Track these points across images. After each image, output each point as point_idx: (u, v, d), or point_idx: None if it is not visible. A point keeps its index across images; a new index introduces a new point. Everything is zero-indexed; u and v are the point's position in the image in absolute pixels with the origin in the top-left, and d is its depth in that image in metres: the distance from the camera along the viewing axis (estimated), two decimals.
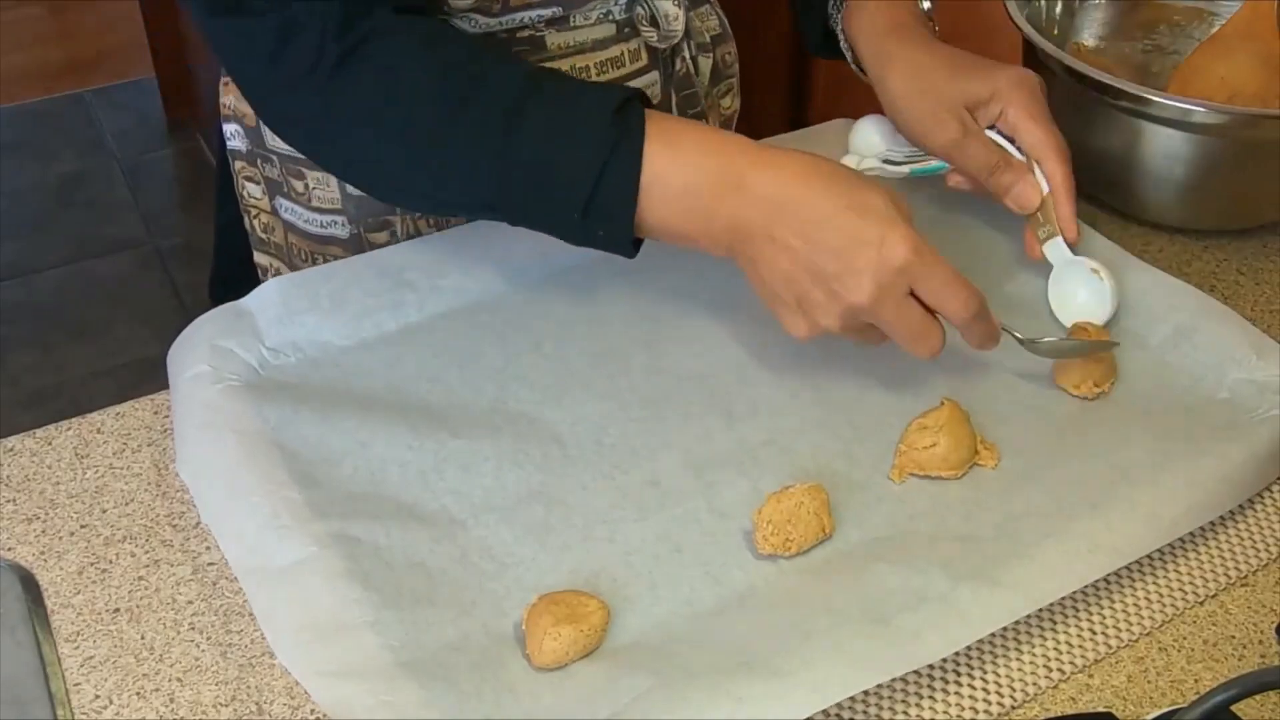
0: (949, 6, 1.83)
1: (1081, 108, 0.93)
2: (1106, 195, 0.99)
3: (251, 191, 0.95)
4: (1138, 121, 0.90)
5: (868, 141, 0.92)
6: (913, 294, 0.71)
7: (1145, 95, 0.88)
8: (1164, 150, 0.90)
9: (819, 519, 0.69)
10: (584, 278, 0.87)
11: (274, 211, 0.95)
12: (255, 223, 0.96)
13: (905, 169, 0.88)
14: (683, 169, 0.71)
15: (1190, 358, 0.81)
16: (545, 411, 0.78)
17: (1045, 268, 0.87)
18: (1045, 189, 0.84)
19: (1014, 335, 0.78)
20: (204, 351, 0.77)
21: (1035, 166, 0.84)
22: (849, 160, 0.90)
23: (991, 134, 0.85)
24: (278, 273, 0.96)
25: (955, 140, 0.84)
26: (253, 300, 0.81)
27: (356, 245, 0.92)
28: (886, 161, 0.88)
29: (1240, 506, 0.75)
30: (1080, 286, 0.85)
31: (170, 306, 2.30)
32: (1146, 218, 0.97)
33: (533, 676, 0.64)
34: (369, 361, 0.80)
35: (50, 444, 0.77)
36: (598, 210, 0.71)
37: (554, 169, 0.71)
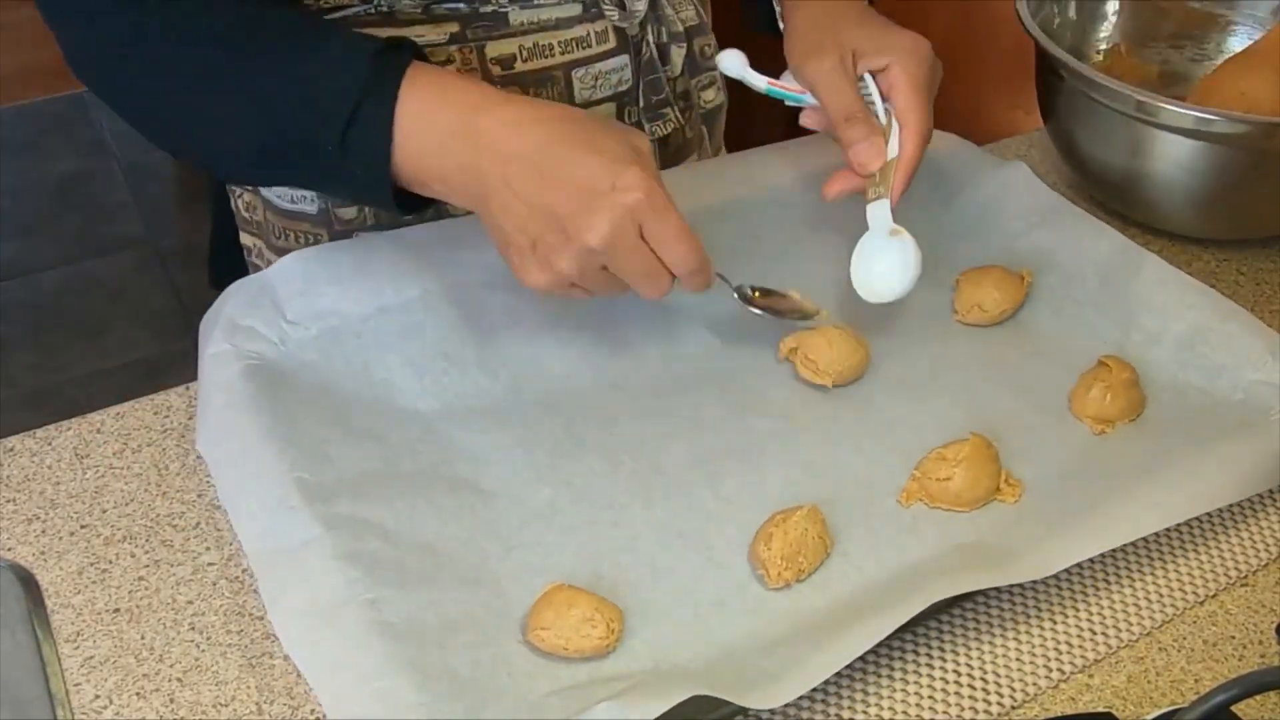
0: (954, 6, 1.83)
1: (1092, 114, 0.93)
2: (1111, 199, 0.99)
3: None
4: (1147, 129, 0.89)
5: (729, 63, 0.89)
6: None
7: (1156, 103, 0.88)
8: (1173, 158, 0.90)
9: (822, 541, 0.69)
10: None
11: (255, 189, 0.95)
12: (239, 202, 0.97)
13: (764, 84, 0.86)
14: (429, 113, 0.71)
15: (1206, 358, 0.81)
16: (559, 398, 0.79)
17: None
18: (892, 155, 0.82)
19: (727, 282, 0.80)
20: (226, 329, 0.77)
21: (894, 130, 0.82)
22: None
23: (869, 87, 0.83)
24: (260, 253, 0.97)
25: (826, 71, 0.82)
26: (274, 273, 0.80)
27: (325, 220, 0.93)
28: (751, 70, 0.87)
29: (1241, 507, 0.75)
30: (885, 254, 0.82)
31: (170, 306, 2.29)
32: (1151, 224, 0.97)
33: (530, 659, 0.64)
34: (388, 331, 0.79)
35: (50, 444, 0.77)
36: (354, 142, 0.71)
37: (314, 103, 0.72)
